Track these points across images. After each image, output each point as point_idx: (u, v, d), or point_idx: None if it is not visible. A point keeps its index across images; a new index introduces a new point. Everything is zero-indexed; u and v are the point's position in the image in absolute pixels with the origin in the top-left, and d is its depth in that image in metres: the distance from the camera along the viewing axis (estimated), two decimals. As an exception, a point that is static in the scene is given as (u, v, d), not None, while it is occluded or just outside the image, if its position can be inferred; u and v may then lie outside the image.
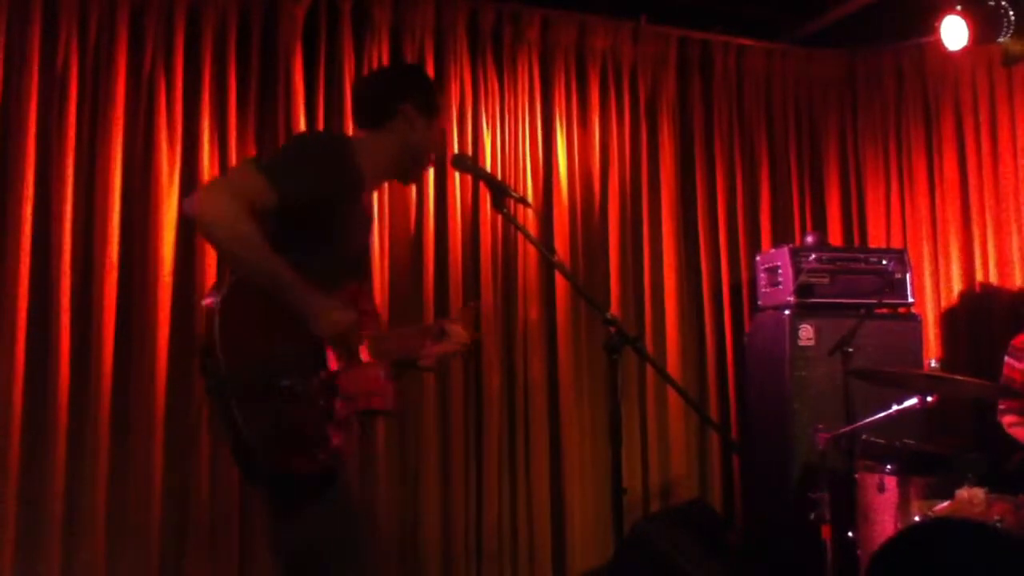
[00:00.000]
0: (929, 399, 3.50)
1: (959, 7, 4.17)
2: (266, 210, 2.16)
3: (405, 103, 2.47)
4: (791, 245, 4.53)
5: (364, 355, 2.35)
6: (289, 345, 2.15)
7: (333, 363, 2.23)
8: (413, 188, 4.17)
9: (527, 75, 4.50)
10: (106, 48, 3.76)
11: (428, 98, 2.52)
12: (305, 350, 2.18)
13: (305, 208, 2.22)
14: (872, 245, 5.04)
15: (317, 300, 2.20)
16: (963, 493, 3.22)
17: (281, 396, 2.08)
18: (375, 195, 3.87)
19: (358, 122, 2.58)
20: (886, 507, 3.51)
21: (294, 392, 2.10)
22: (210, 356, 2.02)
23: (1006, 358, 3.97)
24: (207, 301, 2.11)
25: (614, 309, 4.50)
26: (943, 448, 3.59)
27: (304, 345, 2.18)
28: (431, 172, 4.13)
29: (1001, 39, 4.15)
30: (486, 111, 4.39)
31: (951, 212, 4.89)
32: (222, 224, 2.11)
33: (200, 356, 2.11)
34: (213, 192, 2.23)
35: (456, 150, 4.21)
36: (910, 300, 4.48)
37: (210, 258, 3.80)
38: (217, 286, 2.13)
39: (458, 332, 2.60)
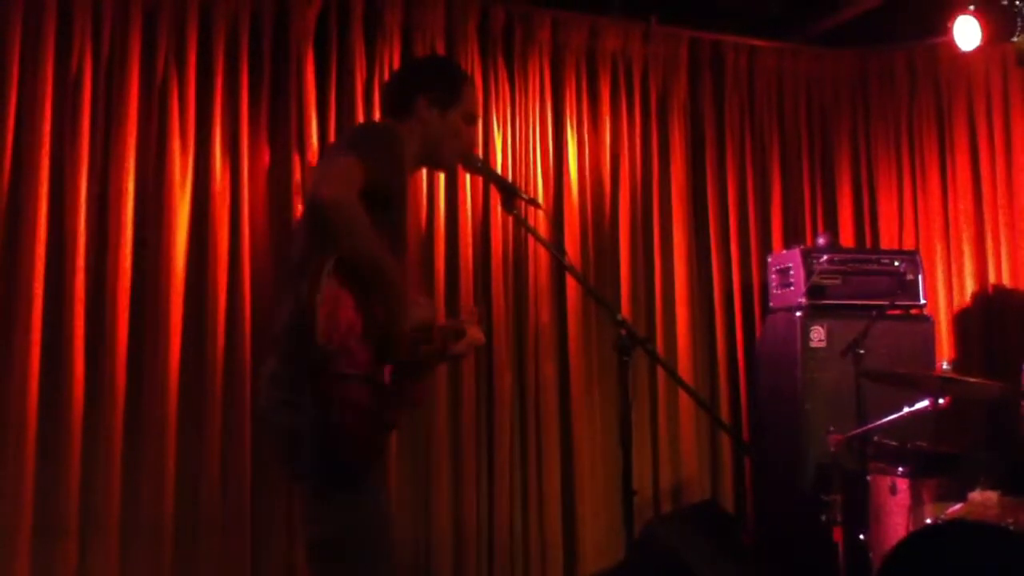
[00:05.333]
0: (941, 401, 3.49)
1: (972, 7, 4.15)
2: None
3: (419, 97, 2.48)
4: (802, 246, 4.51)
5: None
6: (374, 336, 2.21)
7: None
8: (424, 189, 4.18)
9: (538, 76, 4.50)
10: (119, 54, 3.78)
11: (444, 91, 2.50)
12: (384, 341, 2.24)
13: (377, 189, 2.25)
14: (884, 246, 5.02)
15: (410, 294, 2.30)
16: (976, 495, 3.21)
17: (360, 383, 2.15)
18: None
19: (384, 114, 2.60)
20: (898, 509, 3.50)
21: (371, 381, 2.18)
22: (307, 343, 2.07)
23: None
24: (300, 291, 2.15)
25: (624, 311, 4.49)
26: (955, 450, 3.57)
27: (384, 337, 2.24)
28: (442, 174, 4.14)
29: (1015, 38, 4.12)
30: (496, 112, 4.39)
31: (964, 213, 4.86)
32: (352, 213, 2.15)
33: (289, 342, 2.19)
34: (337, 181, 2.22)
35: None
36: (922, 301, 4.46)
37: (221, 261, 3.82)
38: (308, 278, 2.15)
39: (476, 336, 2.59)
